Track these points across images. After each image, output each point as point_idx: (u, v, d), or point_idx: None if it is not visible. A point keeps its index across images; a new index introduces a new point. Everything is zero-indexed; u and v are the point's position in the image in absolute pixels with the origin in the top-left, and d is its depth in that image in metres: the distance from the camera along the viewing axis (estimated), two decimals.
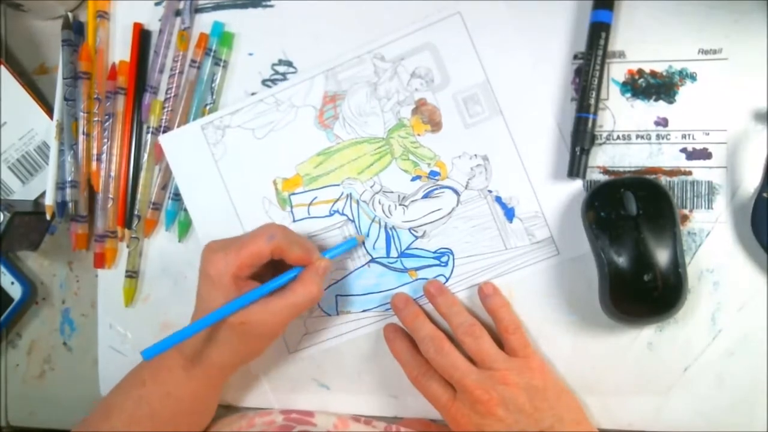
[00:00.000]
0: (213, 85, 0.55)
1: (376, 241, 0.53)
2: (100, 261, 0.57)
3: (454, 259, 0.52)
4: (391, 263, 0.53)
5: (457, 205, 0.52)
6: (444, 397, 0.47)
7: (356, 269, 0.53)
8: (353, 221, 0.53)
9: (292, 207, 0.54)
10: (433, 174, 0.52)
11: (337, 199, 0.53)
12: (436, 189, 0.52)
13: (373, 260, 0.53)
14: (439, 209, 0.52)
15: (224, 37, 0.55)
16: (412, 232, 0.52)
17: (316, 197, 0.53)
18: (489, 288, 0.50)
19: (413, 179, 0.52)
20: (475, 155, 0.51)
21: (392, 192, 0.53)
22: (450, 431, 0.48)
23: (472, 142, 0.51)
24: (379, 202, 0.52)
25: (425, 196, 0.52)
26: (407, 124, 0.52)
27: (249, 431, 0.51)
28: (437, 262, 0.52)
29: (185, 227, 0.56)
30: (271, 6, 0.55)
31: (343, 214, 0.53)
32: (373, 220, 0.53)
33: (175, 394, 0.47)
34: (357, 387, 0.53)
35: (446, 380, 0.47)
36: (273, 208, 0.54)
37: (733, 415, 0.48)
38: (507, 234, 0.51)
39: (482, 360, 0.47)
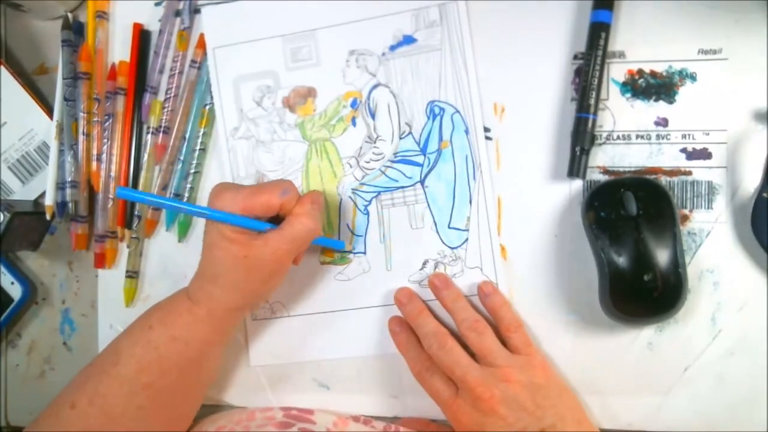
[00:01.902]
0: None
1: (401, 177, 0.53)
2: (101, 261, 0.57)
3: (437, 107, 0.52)
4: (416, 163, 0.53)
5: (389, 86, 0.53)
6: (446, 394, 0.47)
7: (407, 188, 0.53)
8: (379, 193, 0.53)
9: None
10: (354, 104, 0.53)
11: (356, 205, 0.54)
12: (368, 105, 0.53)
13: (421, 182, 0.53)
14: (387, 103, 0.53)
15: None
16: (404, 136, 0.53)
17: (348, 224, 0.54)
18: (488, 287, 0.50)
19: (354, 124, 0.53)
20: (346, 61, 0.53)
21: (360, 148, 0.53)
22: (450, 430, 0.48)
23: (332, 57, 0.53)
24: (367, 162, 0.53)
25: (373, 116, 0.53)
26: (301, 118, 0.54)
27: (249, 423, 0.51)
28: (432, 114, 0.52)
29: (185, 227, 0.56)
30: None
31: (367, 211, 0.53)
32: (384, 174, 0.53)
33: (182, 337, 0.47)
34: (357, 387, 0.53)
35: (449, 377, 0.47)
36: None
37: (733, 415, 0.48)
38: (424, 44, 0.52)
39: (485, 356, 0.46)
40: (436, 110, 0.52)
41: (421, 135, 0.52)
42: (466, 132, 0.52)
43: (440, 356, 0.47)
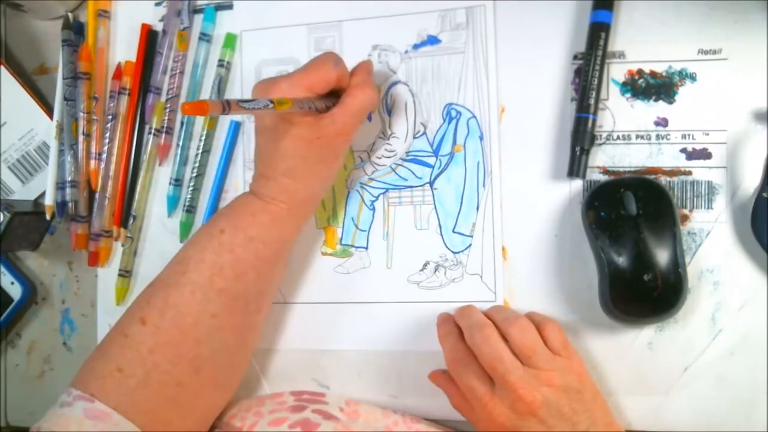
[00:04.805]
0: (220, 85, 0.56)
1: (410, 176, 0.53)
2: (94, 259, 0.57)
3: (454, 110, 0.52)
4: (427, 163, 0.52)
5: (408, 84, 0.53)
6: (481, 390, 0.44)
7: (415, 187, 0.53)
8: (387, 190, 0.53)
9: (355, 244, 0.53)
10: None
11: (363, 199, 0.54)
12: (386, 101, 0.53)
13: (430, 183, 0.52)
14: (405, 102, 0.53)
15: (227, 39, 0.55)
16: (418, 135, 0.53)
17: (352, 217, 0.54)
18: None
19: (369, 119, 0.54)
20: (369, 55, 0.53)
21: (373, 143, 0.53)
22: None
23: (354, 50, 0.53)
24: (378, 158, 0.53)
25: (389, 113, 0.53)
26: None
27: (260, 409, 0.50)
28: (448, 117, 0.52)
29: (187, 228, 0.56)
30: None
31: (373, 207, 0.53)
32: (394, 171, 0.53)
33: (259, 237, 0.46)
34: (357, 387, 0.53)
35: (484, 373, 0.45)
36: (351, 260, 0.53)
37: (733, 415, 0.48)
38: (447, 45, 0.52)
39: (528, 357, 0.44)
40: (453, 113, 0.52)
41: (435, 136, 0.52)
42: (481, 138, 0.51)
43: (482, 349, 0.44)
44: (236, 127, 0.55)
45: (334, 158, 0.47)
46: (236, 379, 0.50)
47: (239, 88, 0.56)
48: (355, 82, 0.46)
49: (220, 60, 0.55)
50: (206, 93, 0.56)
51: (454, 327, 0.48)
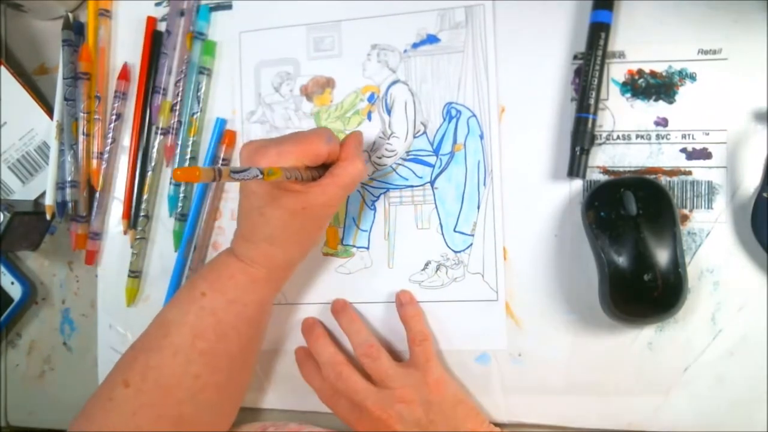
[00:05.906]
0: (199, 94, 0.56)
1: (411, 176, 0.53)
2: (92, 258, 0.57)
3: (454, 109, 0.52)
4: (427, 163, 0.52)
5: (408, 84, 0.53)
6: (351, 417, 0.49)
7: (416, 187, 0.53)
8: (388, 190, 0.53)
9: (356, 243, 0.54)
10: (371, 99, 0.53)
11: (364, 199, 0.54)
12: (385, 100, 0.53)
13: (431, 182, 0.52)
14: (405, 101, 0.53)
15: (207, 46, 0.56)
16: (418, 135, 0.53)
17: (353, 217, 0.54)
18: (405, 297, 0.52)
19: (369, 119, 0.53)
20: (368, 55, 0.53)
21: (373, 143, 0.54)
22: None
23: (353, 50, 0.54)
24: (379, 158, 0.53)
25: (389, 112, 0.53)
26: (317, 107, 0.54)
27: None
28: (448, 116, 0.52)
29: (179, 238, 0.56)
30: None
31: (374, 207, 0.53)
32: (395, 171, 0.53)
33: (239, 300, 0.47)
34: None
35: (351, 403, 0.49)
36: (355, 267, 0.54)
37: (733, 415, 0.48)
38: (447, 44, 0.52)
39: (381, 380, 0.48)
40: (453, 112, 0.52)
41: (435, 135, 0.52)
42: (481, 137, 0.51)
43: (338, 386, 0.49)
44: (220, 129, 0.55)
45: (316, 228, 0.47)
46: (223, 429, 0.50)
47: (240, 90, 0.56)
48: (345, 154, 0.46)
49: (200, 67, 0.55)
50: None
51: (314, 365, 0.52)
